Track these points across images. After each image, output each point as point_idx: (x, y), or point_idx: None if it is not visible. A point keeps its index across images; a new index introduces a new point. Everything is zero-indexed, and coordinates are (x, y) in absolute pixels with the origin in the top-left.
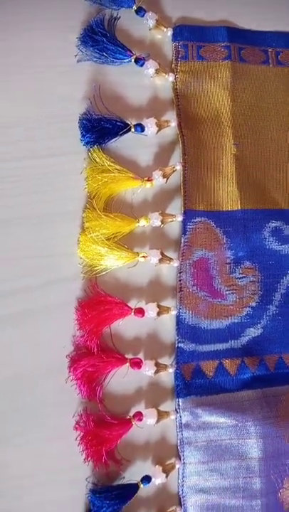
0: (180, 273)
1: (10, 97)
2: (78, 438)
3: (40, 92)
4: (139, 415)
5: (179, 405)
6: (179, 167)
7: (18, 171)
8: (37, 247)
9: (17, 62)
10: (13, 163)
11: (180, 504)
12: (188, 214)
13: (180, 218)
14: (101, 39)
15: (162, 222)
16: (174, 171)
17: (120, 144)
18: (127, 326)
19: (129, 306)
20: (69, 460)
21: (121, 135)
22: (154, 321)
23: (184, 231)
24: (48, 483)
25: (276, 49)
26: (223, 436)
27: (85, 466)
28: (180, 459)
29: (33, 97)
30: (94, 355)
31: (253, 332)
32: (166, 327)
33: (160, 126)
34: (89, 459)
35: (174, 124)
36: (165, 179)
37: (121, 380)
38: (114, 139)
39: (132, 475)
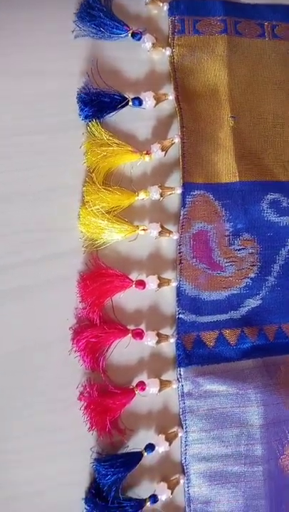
0: (180, 245)
1: (8, 73)
2: (82, 408)
3: (38, 67)
4: (141, 385)
5: (180, 374)
6: (177, 140)
7: (18, 147)
8: (37, 221)
9: (15, 39)
10: (13, 138)
11: (183, 472)
12: (187, 187)
13: (179, 191)
14: (98, 14)
15: (161, 195)
16: (172, 144)
17: (118, 118)
18: (128, 299)
19: (130, 279)
20: (73, 431)
21: (119, 109)
22: (155, 293)
23: (183, 204)
24: (53, 454)
25: (272, 22)
26: (224, 404)
27: (90, 436)
28: (182, 428)
29: (30, 72)
30: (96, 326)
31: (253, 303)
32: (167, 299)
33: (158, 100)
34: (93, 428)
35: (171, 97)
36: (164, 152)
37: (123, 351)
38: (112, 113)
39: (135, 444)
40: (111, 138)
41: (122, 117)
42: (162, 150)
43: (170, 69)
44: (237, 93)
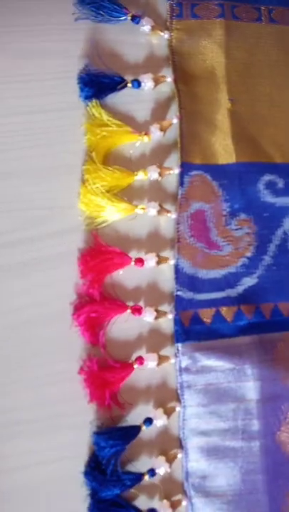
0: (178, 224)
1: (8, 54)
2: (82, 381)
3: (39, 48)
4: (140, 359)
5: (178, 350)
6: (175, 120)
7: (19, 126)
8: (38, 199)
9: (16, 20)
10: (13, 118)
11: (181, 447)
12: (185, 167)
13: (177, 171)
14: None
15: (160, 174)
16: (171, 125)
17: (118, 100)
18: (127, 276)
19: (129, 256)
20: (73, 404)
21: (118, 90)
22: (154, 271)
23: (181, 183)
24: (52, 428)
25: (269, 7)
26: (221, 380)
27: (89, 410)
28: (180, 402)
29: (31, 54)
30: (96, 302)
31: (249, 281)
32: (165, 276)
33: (156, 82)
34: (93, 400)
35: (169, 79)
36: (162, 132)
37: (122, 327)
38: (111, 94)
39: (134, 418)
40: (111, 118)
41: (121, 99)
42: (161, 130)
43: (168, 52)
44: (234, 76)
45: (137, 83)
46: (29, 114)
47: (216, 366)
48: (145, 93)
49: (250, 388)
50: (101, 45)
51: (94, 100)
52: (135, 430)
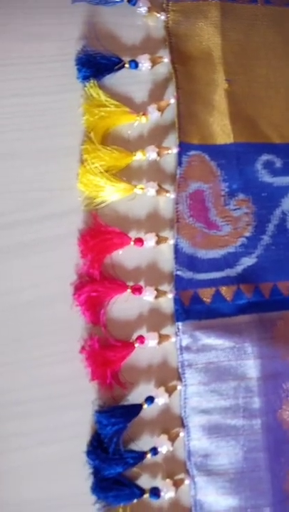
0: (177, 204)
1: (6, 37)
2: (83, 360)
3: (38, 31)
4: (141, 338)
5: (178, 329)
6: (173, 100)
7: (16, 108)
8: (37, 180)
9: (12, 4)
10: (11, 99)
11: (183, 426)
12: (183, 147)
13: (175, 150)
14: None
15: (158, 154)
16: (168, 105)
17: (115, 81)
18: (127, 256)
19: (128, 236)
20: (75, 384)
21: (116, 71)
22: (153, 251)
23: (180, 163)
24: (53, 408)
25: None
26: (221, 358)
27: (91, 390)
28: (181, 381)
29: (29, 36)
30: (97, 282)
31: (248, 261)
32: (165, 257)
33: (154, 62)
34: (94, 379)
35: (166, 60)
36: (160, 113)
37: (123, 307)
38: (109, 75)
39: (136, 398)
40: (109, 99)
41: (118, 80)
42: (159, 110)
43: (165, 34)
44: (231, 57)
45: (135, 64)
46: (28, 96)
47: (216, 345)
48: (142, 74)
49: (251, 366)
50: (98, 28)
51: (92, 81)
52: (137, 408)
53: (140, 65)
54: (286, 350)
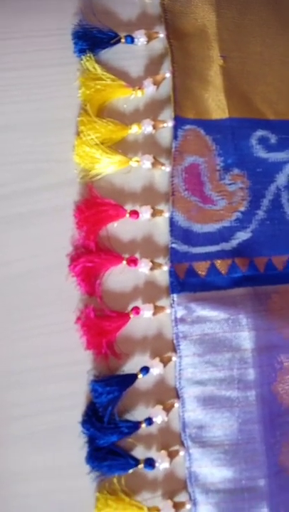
0: (172, 177)
1: (4, 11)
2: (79, 329)
3: (34, 6)
4: (136, 309)
5: (173, 300)
6: (168, 74)
7: (14, 81)
8: (33, 152)
9: None
10: (9, 73)
11: (178, 397)
12: (179, 120)
13: (171, 124)
14: None
15: (154, 127)
16: (164, 79)
17: (111, 56)
18: (122, 229)
19: (124, 208)
20: (71, 354)
21: (112, 45)
22: (149, 224)
23: (175, 136)
24: (48, 378)
25: None
26: (216, 330)
27: (87, 360)
28: (176, 353)
29: (27, 11)
30: (92, 253)
31: (243, 235)
32: (160, 230)
33: (149, 37)
34: (89, 348)
35: (162, 35)
36: (155, 86)
37: (118, 279)
38: (105, 49)
39: (131, 369)
40: (105, 73)
41: (114, 55)
42: (154, 84)
43: (161, 11)
44: (225, 34)
45: (130, 39)
46: (25, 70)
47: (211, 316)
48: (138, 49)
49: (245, 338)
50: (95, 3)
51: (88, 54)
52: (132, 378)
53: (136, 40)
54: (281, 323)
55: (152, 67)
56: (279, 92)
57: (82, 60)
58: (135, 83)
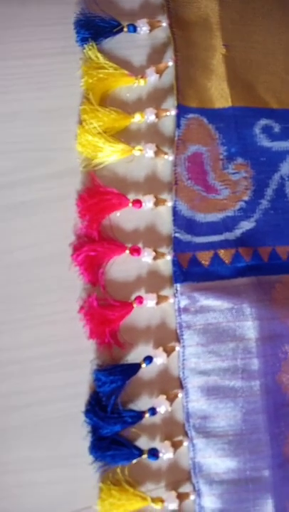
0: (175, 166)
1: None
2: (82, 318)
3: None
4: (139, 298)
5: (177, 290)
6: (171, 63)
7: (17, 69)
8: (35, 140)
9: None
10: (12, 61)
11: (181, 387)
12: (181, 109)
13: (174, 112)
14: None
15: (157, 116)
16: (166, 68)
17: (114, 45)
18: (125, 218)
19: (127, 198)
20: (74, 343)
21: (114, 34)
22: (152, 213)
23: (178, 125)
24: (52, 367)
25: None
26: (220, 319)
27: (90, 350)
28: (180, 343)
29: (27, 1)
30: (95, 242)
31: (247, 225)
32: (163, 219)
33: (152, 26)
34: (92, 337)
35: (165, 24)
36: (158, 75)
37: (121, 268)
38: (108, 38)
39: (134, 359)
40: (107, 62)
41: (117, 44)
42: (157, 73)
43: (163, 0)
44: (228, 23)
45: (133, 27)
46: (28, 58)
47: (214, 306)
48: (141, 38)
49: (249, 327)
50: None
51: (90, 43)
52: (135, 367)
53: (138, 28)
54: (285, 313)
55: (155, 56)
56: (283, 81)
57: (84, 49)
58: (138, 72)
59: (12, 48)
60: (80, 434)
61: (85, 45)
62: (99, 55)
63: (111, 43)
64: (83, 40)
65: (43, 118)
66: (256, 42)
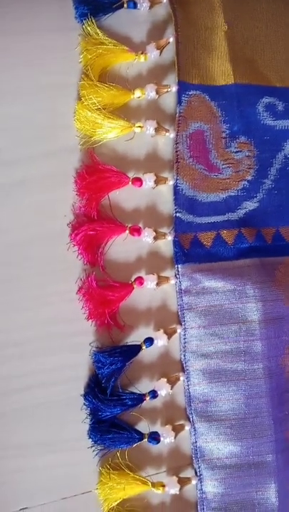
0: (176, 144)
1: None
2: (81, 298)
3: None
4: (140, 279)
5: (178, 271)
6: (172, 39)
7: (13, 45)
8: (34, 117)
9: None
10: (10, 37)
11: (183, 370)
12: (183, 85)
13: (174, 89)
14: None
15: (157, 92)
16: (167, 44)
17: (114, 21)
18: (125, 197)
19: (127, 176)
20: (74, 325)
21: (114, 10)
22: (152, 193)
23: (179, 102)
24: (51, 349)
25: None
26: (222, 301)
27: (90, 332)
28: (181, 325)
29: None
30: (94, 221)
31: (250, 205)
32: (164, 198)
33: (152, 2)
34: (92, 318)
35: (165, 0)
36: (159, 51)
37: (121, 249)
38: (107, 15)
39: (135, 342)
40: (107, 38)
41: (117, 21)
42: (157, 49)
43: None
44: (230, 2)
45: (133, 3)
46: (26, 35)
47: (216, 287)
48: (141, 15)
49: (252, 309)
50: None
51: (90, 19)
52: (136, 349)
53: (139, 4)
54: (288, 295)
55: (155, 33)
56: (285, 59)
57: (83, 25)
58: (138, 48)
59: (10, 24)
60: (80, 418)
61: (84, 21)
62: (98, 30)
63: (111, 19)
64: (82, 16)
65: (40, 95)
66: (259, 20)
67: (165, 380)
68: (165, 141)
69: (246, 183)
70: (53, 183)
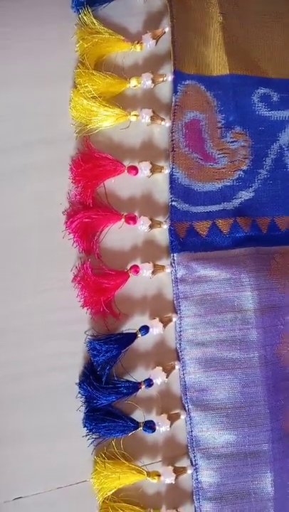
0: (172, 133)
1: None
2: (77, 286)
3: None
4: (135, 267)
5: (174, 260)
6: (168, 29)
7: (10, 35)
8: (30, 105)
9: None
10: (6, 27)
11: (178, 358)
12: (178, 75)
13: (170, 78)
14: None
15: (153, 81)
16: (163, 33)
17: (110, 12)
18: (121, 186)
19: (122, 164)
20: (69, 313)
21: (110, 0)
22: (148, 181)
23: (175, 91)
24: (47, 336)
25: None
26: (218, 290)
27: (86, 320)
28: (177, 313)
29: None
30: (90, 208)
31: (245, 195)
32: (160, 187)
33: None
34: (87, 305)
35: None
36: (154, 41)
37: (116, 237)
38: (103, 5)
39: (130, 330)
40: (103, 27)
41: (113, 11)
42: (153, 39)
43: None
44: None
45: None
46: (22, 24)
47: (212, 276)
48: (137, 5)
49: (248, 297)
50: None
51: (86, 8)
52: (131, 336)
53: None
54: (284, 283)
55: (151, 23)
56: (280, 52)
57: (79, 14)
58: (134, 38)
59: (6, 14)
60: (73, 406)
61: (81, 11)
62: (94, 20)
63: (107, 9)
64: (78, 5)
65: (36, 83)
66: (254, 12)
67: (160, 368)
68: (161, 130)
69: (242, 173)
70: (51, 170)
